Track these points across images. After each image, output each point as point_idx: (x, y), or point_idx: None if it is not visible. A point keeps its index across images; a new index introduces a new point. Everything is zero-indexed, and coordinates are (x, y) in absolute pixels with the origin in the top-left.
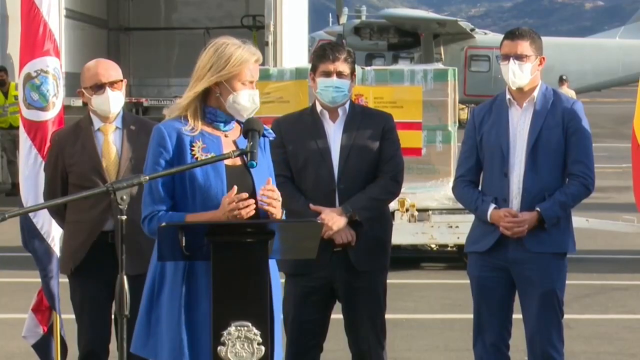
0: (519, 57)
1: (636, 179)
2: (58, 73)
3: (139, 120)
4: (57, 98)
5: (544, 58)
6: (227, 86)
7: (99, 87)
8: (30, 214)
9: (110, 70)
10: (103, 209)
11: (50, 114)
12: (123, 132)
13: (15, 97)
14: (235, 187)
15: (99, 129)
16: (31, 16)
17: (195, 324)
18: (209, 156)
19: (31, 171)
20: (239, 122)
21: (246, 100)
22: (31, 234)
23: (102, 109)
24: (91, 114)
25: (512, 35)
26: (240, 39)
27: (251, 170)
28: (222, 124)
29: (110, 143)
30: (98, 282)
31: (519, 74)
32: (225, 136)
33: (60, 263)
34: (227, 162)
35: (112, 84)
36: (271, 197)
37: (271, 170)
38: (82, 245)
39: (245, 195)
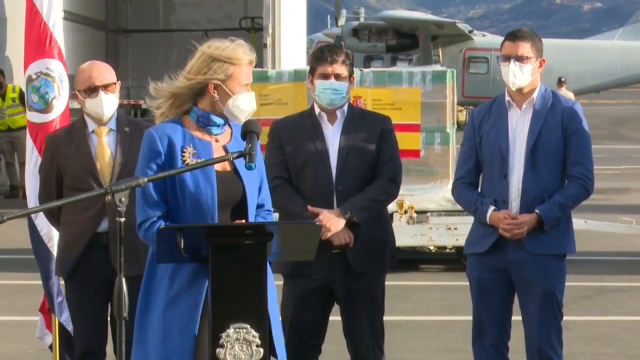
0: (520, 59)
1: None
2: (61, 76)
3: (133, 122)
4: (57, 100)
5: (544, 60)
6: (226, 89)
7: (92, 90)
8: (32, 216)
9: (104, 73)
10: (97, 211)
11: (51, 116)
12: (117, 134)
13: (13, 100)
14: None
15: (93, 131)
16: (32, 18)
17: (170, 325)
18: (200, 161)
19: (33, 172)
20: (229, 125)
21: (246, 104)
22: (33, 236)
23: (95, 111)
24: (85, 116)
25: (513, 36)
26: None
27: (241, 174)
28: (215, 128)
29: (105, 145)
30: (93, 284)
31: (519, 75)
32: (216, 141)
33: (56, 265)
34: (217, 167)
35: (105, 87)
36: None
37: (263, 172)
38: (75, 246)
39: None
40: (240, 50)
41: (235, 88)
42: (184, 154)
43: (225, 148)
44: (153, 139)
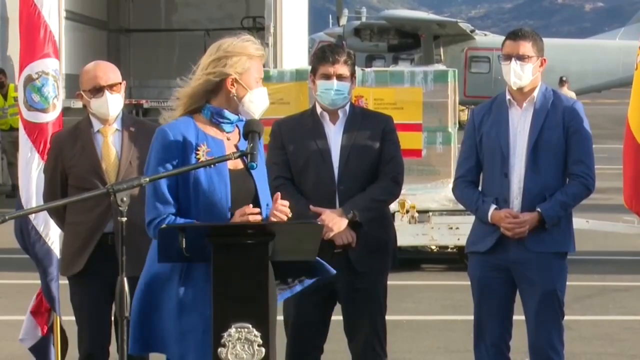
0: (521, 58)
1: (627, 178)
2: (58, 74)
3: (138, 121)
4: (57, 100)
5: (545, 59)
6: (243, 84)
7: (97, 90)
8: (31, 216)
9: (109, 72)
10: (102, 211)
11: (51, 116)
12: (122, 134)
13: (15, 99)
14: (250, 206)
15: (98, 131)
16: (32, 18)
17: (185, 330)
18: (205, 160)
19: (32, 173)
20: (237, 126)
21: (262, 98)
22: (32, 236)
23: (101, 112)
24: (90, 116)
25: (514, 35)
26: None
27: (253, 172)
28: (227, 125)
29: (110, 145)
30: (98, 284)
31: (520, 74)
32: (228, 139)
33: (60, 265)
34: (230, 165)
35: (111, 87)
36: (283, 212)
37: (264, 171)
38: (83, 247)
39: (257, 210)
40: (252, 45)
41: (251, 83)
42: (197, 152)
43: (236, 147)
44: (166, 137)
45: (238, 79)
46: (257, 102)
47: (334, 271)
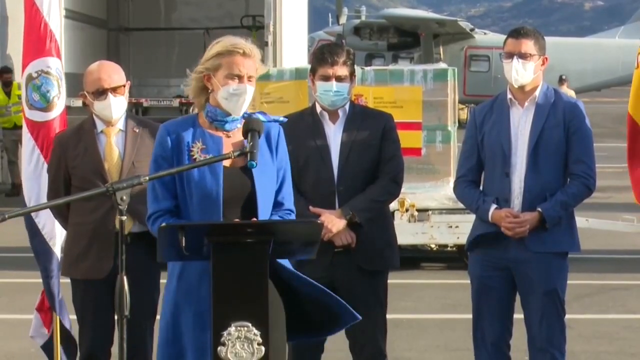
0: (523, 56)
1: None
2: (60, 73)
3: (142, 122)
4: (59, 98)
5: (546, 58)
6: (216, 81)
7: (101, 93)
8: (32, 214)
9: (113, 75)
10: (106, 212)
11: (52, 115)
12: (126, 135)
13: (19, 97)
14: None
15: (101, 132)
16: (32, 16)
17: (180, 327)
18: (208, 157)
19: (34, 171)
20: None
21: (231, 94)
22: (33, 234)
23: (104, 114)
24: (94, 117)
25: (516, 33)
26: (242, 36)
27: (253, 171)
28: (223, 123)
29: (113, 146)
30: (100, 285)
31: (522, 73)
32: (228, 137)
33: (62, 265)
34: (226, 163)
35: (114, 90)
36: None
37: (285, 171)
38: (85, 247)
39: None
40: (226, 42)
41: (221, 79)
42: (192, 150)
43: (237, 144)
44: (162, 134)
45: (212, 76)
46: (228, 100)
47: (359, 317)
